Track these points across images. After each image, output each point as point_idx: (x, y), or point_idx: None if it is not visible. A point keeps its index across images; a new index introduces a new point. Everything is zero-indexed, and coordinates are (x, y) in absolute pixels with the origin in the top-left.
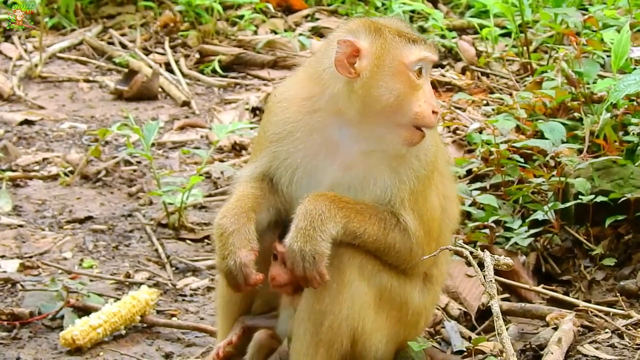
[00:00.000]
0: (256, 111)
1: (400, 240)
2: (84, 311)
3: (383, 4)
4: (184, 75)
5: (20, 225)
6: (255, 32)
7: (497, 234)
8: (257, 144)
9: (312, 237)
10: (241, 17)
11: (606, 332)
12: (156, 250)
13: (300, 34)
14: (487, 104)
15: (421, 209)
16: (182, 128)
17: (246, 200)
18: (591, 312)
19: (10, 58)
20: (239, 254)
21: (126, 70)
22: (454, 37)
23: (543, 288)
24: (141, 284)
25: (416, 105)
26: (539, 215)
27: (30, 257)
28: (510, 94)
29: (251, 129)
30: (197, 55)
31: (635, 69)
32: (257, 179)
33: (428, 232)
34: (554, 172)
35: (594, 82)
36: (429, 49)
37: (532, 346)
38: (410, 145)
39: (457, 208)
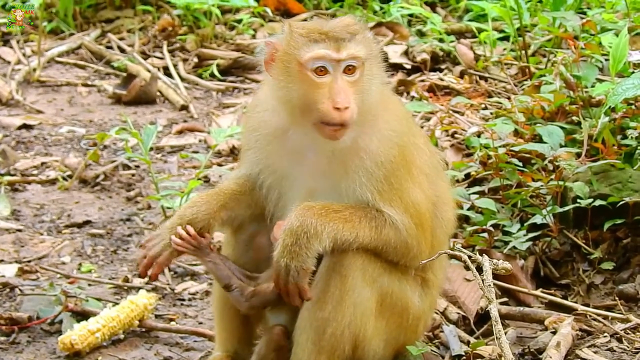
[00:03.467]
0: None
1: (394, 235)
2: (82, 315)
3: (381, 8)
4: (183, 79)
5: (19, 230)
6: (254, 36)
7: (495, 237)
8: (240, 153)
9: (299, 253)
10: (239, 21)
11: (605, 336)
12: None
13: None
14: (486, 108)
15: (401, 205)
16: (180, 132)
17: (222, 196)
18: (590, 316)
19: (9, 62)
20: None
21: (124, 74)
22: (452, 41)
23: (541, 292)
24: (139, 288)
25: (320, 103)
26: (537, 219)
27: (29, 261)
28: (509, 98)
29: None
30: (196, 59)
31: (633, 72)
32: (241, 178)
33: (419, 224)
34: (553, 176)
35: (593, 86)
36: (330, 47)
37: (531, 350)
38: (332, 139)
39: (453, 210)
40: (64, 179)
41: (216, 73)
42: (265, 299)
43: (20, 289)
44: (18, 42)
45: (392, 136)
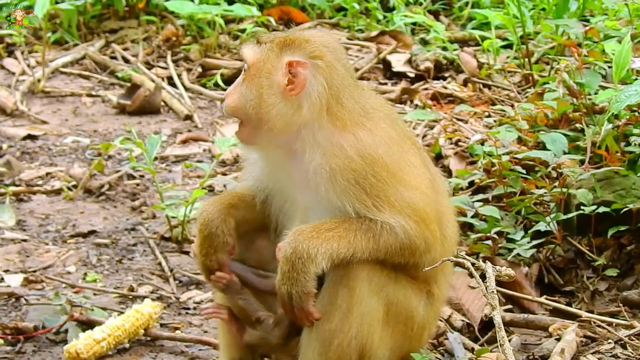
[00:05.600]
0: None
1: (394, 240)
2: (87, 325)
3: (385, 17)
4: (187, 89)
5: (24, 240)
6: None
7: (499, 245)
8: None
9: (297, 279)
10: (243, 30)
11: (609, 343)
12: (159, 263)
13: None
14: (489, 116)
15: (392, 209)
16: (184, 142)
17: (230, 199)
18: (594, 322)
19: (13, 73)
20: (218, 257)
21: (129, 84)
22: (455, 49)
23: (546, 299)
24: (145, 297)
25: None
26: (541, 226)
27: (34, 271)
28: (512, 106)
29: None
30: (200, 69)
31: (636, 79)
32: (246, 187)
33: (420, 221)
34: (556, 183)
35: (596, 93)
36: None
37: (535, 357)
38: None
39: (454, 228)
40: (68, 189)
41: (220, 82)
42: (287, 324)
43: (25, 299)
44: (22, 53)
45: (347, 147)
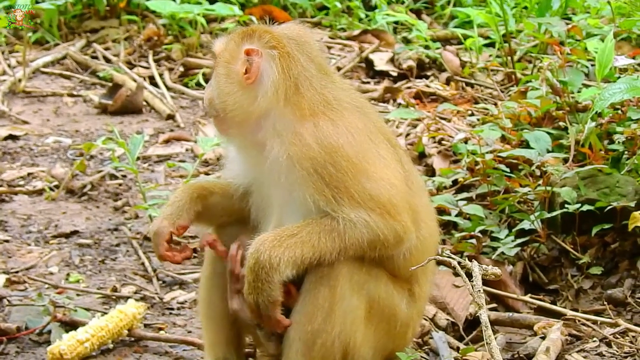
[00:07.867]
0: None
1: (359, 236)
2: (71, 326)
3: (367, 15)
4: (169, 88)
5: (6, 240)
6: None
7: (483, 243)
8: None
9: (262, 289)
10: (225, 29)
11: (594, 341)
12: (142, 264)
13: None
14: (472, 114)
15: (353, 203)
16: (167, 141)
17: (204, 182)
18: (579, 320)
19: None
20: (157, 222)
21: (110, 84)
22: (437, 48)
23: (530, 297)
24: (128, 297)
25: None
26: (525, 225)
27: (17, 272)
28: (495, 104)
29: None
30: (181, 69)
31: (619, 77)
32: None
33: (385, 213)
34: (540, 182)
35: (579, 91)
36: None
37: (520, 356)
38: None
39: (431, 228)
40: (50, 189)
41: (202, 82)
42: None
43: (8, 300)
44: (3, 52)
45: (306, 135)
